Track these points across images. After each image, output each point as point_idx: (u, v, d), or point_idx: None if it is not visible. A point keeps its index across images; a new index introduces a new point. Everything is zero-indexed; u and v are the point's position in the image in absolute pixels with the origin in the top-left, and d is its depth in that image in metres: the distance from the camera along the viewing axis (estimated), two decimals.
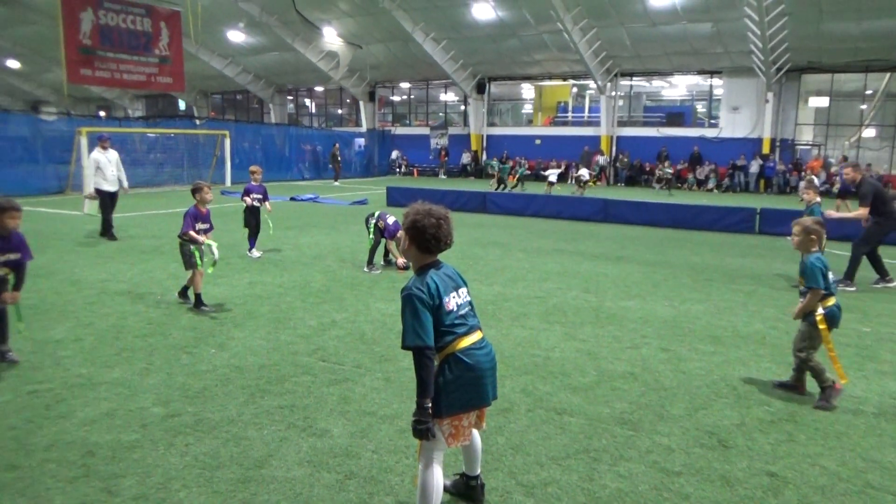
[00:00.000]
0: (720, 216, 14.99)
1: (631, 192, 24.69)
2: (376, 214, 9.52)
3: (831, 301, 4.76)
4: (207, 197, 7.11)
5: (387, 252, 9.68)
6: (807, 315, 4.74)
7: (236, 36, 34.01)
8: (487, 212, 17.38)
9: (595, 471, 3.65)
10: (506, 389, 4.79)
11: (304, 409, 4.41)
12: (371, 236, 9.36)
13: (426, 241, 2.90)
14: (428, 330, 2.78)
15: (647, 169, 30.19)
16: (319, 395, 4.68)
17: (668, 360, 5.62)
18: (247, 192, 10.14)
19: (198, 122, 30.15)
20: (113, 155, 12.35)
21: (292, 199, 20.51)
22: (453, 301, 2.92)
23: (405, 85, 38.58)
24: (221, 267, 9.22)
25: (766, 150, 27.74)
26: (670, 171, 27.31)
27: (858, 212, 8.70)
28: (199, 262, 6.94)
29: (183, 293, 7.26)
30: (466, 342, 2.91)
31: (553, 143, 32.94)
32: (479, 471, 3.32)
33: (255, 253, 10.10)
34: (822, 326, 4.68)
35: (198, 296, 6.97)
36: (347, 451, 3.82)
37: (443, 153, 35.52)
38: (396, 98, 40.48)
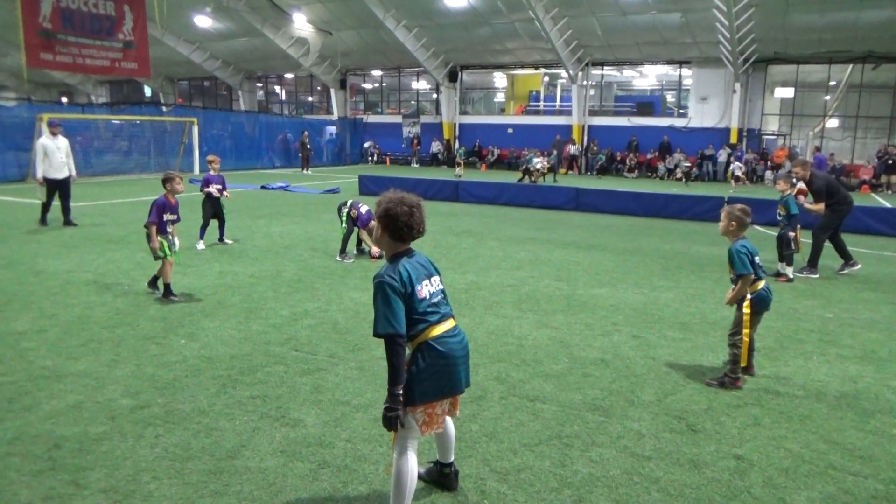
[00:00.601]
0: (689, 205, 15.21)
1: (603, 182, 24.91)
2: (349, 203, 9.45)
3: (760, 284, 4.88)
4: (179, 188, 6.99)
5: (359, 241, 9.63)
6: (740, 301, 4.84)
7: (203, 21, 33.34)
8: (460, 200, 17.38)
9: (567, 456, 3.69)
10: (479, 377, 4.81)
11: (276, 399, 4.38)
12: (343, 225, 9.30)
13: (399, 229, 2.89)
14: (399, 317, 2.78)
15: (619, 158, 30.47)
16: (292, 384, 4.65)
17: (639, 346, 5.70)
18: (206, 182, 9.96)
19: (165, 108, 29.59)
20: (62, 142, 12.03)
21: (263, 187, 20.26)
22: (426, 289, 2.92)
23: (377, 73, 38.27)
24: (191, 256, 9.09)
25: (733, 139, 28.19)
26: (688, 163, 27.32)
27: (816, 206, 8.96)
28: (167, 252, 6.84)
29: (152, 283, 7.13)
30: (439, 330, 2.91)
31: (525, 131, 33.03)
32: (452, 458, 3.34)
33: (201, 245, 9.74)
34: (746, 311, 4.78)
35: (167, 286, 6.87)
36: (321, 441, 3.80)
37: (415, 142, 35.39)
38: (368, 86, 40.15)
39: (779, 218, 8.81)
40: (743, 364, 4.82)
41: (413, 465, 2.94)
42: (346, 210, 9.33)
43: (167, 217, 6.94)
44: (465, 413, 4.19)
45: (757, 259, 4.89)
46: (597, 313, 6.73)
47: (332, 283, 7.80)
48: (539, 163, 23.04)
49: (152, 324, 6.02)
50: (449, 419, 3.20)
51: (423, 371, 2.88)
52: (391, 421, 2.79)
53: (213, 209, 9.94)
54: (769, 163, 27.22)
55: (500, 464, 3.60)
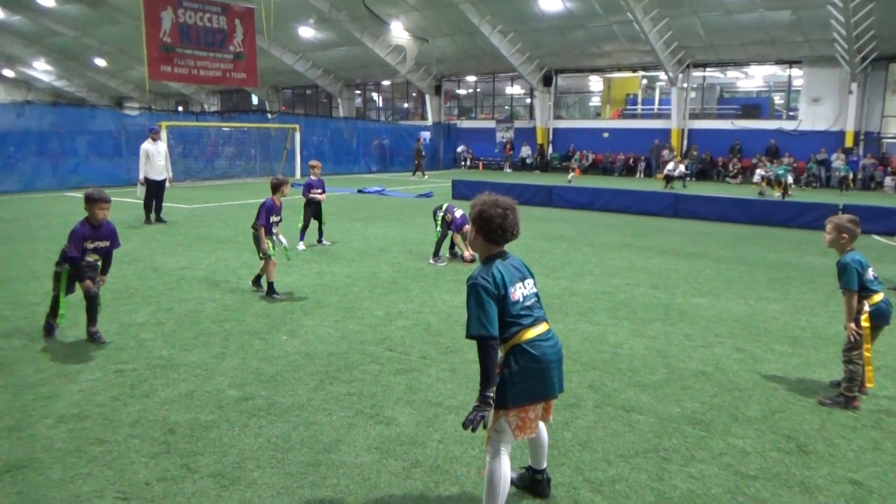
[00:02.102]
0: (799, 212, 14.33)
1: (703, 188, 23.90)
2: (444, 207, 9.56)
3: (878, 297, 4.52)
4: (287, 192, 7.46)
5: (452, 245, 9.72)
6: (857, 316, 4.50)
7: (306, 32, 34.77)
8: (553, 205, 17.19)
9: (665, 471, 3.57)
10: (573, 385, 4.73)
11: (371, 397, 4.49)
12: (438, 229, 9.41)
13: (493, 231, 2.90)
14: (492, 319, 2.78)
15: (720, 163, 29.14)
16: (386, 383, 4.75)
17: (743, 359, 5.42)
18: (308, 187, 10.32)
19: (270, 116, 31.02)
20: (162, 147, 13.31)
21: (359, 191, 20.85)
22: (519, 292, 2.91)
23: (471, 78, 38.53)
24: (291, 257, 9.47)
25: (848, 143, 26.32)
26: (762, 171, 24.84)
27: None
28: (271, 251, 7.16)
29: (256, 281, 7.51)
30: (532, 333, 2.90)
31: (621, 136, 32.25)
32: (545, 464, 3.30)
33: (301, 246, 10.07)
34: (865, 324, 4.45)
35: (270, 284, 7.20)
36: (414, 440, 3.86)
37: (508, 147, 35.34)
38: (462, 91, 40.48)
39: None
40: (868, 384, 4.49)
41: (506, 469, 2.92)
42: (441, 214, 9.44)
43: (273, 219, 7.30)
44: (558, 420, 4.13)
45: (871, 272, 4.56)
46: (697, 323, 6.46)
47: (425, 285, 7.91)
48: (675, 166, 22.30)
49: (257, 320, 6.32)
50: (542, 425, 3.17)
51: (516, 374, 2.86)
52: (474, 422, 2.74)
53: (313, 212, 10.35)
54: (889, 168, 25.21)
55: (594, 474, 3.53)
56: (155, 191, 12.88)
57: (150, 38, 23.24)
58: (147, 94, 42.11)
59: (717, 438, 3.97)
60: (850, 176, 23.82)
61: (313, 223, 10.42)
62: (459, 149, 37.13)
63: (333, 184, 22.86)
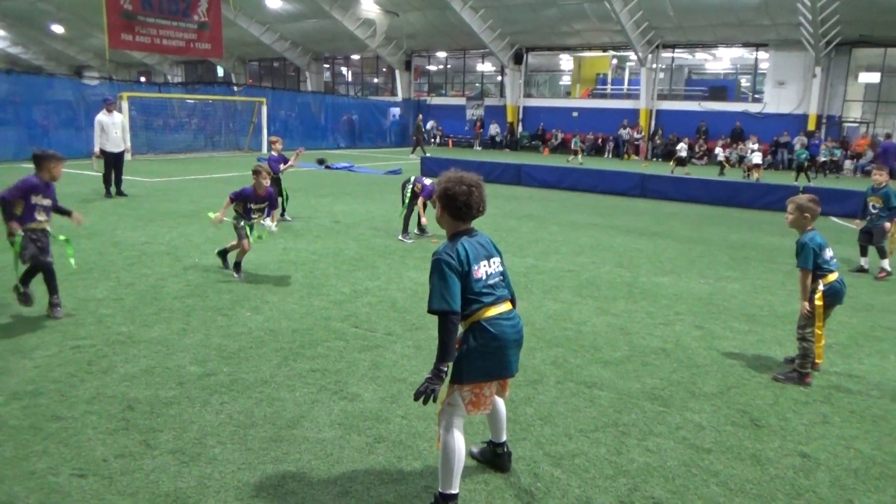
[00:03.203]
0: (760, 194, 14.64)
1: (668, 168, 24.19)
2: (412, 179, 9.52)
3: (832, 277, 4.66)
4: (265, 183, 7.04)
5: (420, 221, 9.70)
6: (811, 294, 4.64)
7: (274, 2, 33.98)
8: (522, 184, 17.24)
9: (623, 444, 3.64)
10: (536, 361, 4.79)
11: (335, 374, 4.48)
12: (405, 204, 9.36)
13: (458, 208, 2.91)
14: (454, 295, 2.79)
15: (687, 144, 29.47)
16: (351, 360, 4.75)
17: (702, 337, 5.55)
18: (275, 163, 10.21)
19: (235, 88, 30.38)
20: (118, 118, 13.07)
21: (327, 167, 20.61)
22: (483, 269, 2.92)
23: (441, 54, 38.22)
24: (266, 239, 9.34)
25: (811, 126, 26.87)
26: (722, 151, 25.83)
27: None
28: (248, 234, 7.04)
29: (223, 254, 7.34)
30: (493, 311, 2.91)
31: (591, 115, 32.41)
32: (504, 437, 3.34)
33: (268, 222, 10.02)
34: (818, 303, 4.60)
35: (237, 263, 7.05)
36: (377, 416, 3.87)
37: (478, 124, 35.25)
38: (433, 67, 40.15)
39: (873, 210, 8.34)
40: (818, 360, 4.64)
41: (460, 442, 2.94)
42: (410, 186, 9.39)
43: (254, 206, 7.07)
44: (519, 396, 4.19)
45: (828, 252, 4.68)
46: (659, 302, 6.58)
47: (392, 262, 7.89)
48: (683, 150, 22.39)
49: (220, 296, 6.24)
50: (499, 399, 3.21)
51: (474, 351, 2.88)
52: (424, 394, 2.74)
53: (276, 188, 10.15)
54: (849, 151, 25.83)
55: (555, 448, 3.58)
56: (113, 163, 12.55)
57: (111, 4, 22.48)
58: (108, 63, 40.77)
59: (675, 413, 4.07)
60: (810, 161, 24.05)
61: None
62: (429, 125, 36.87)
63: (301, 159, 22.54)
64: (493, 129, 34.86)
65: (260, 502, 3.02)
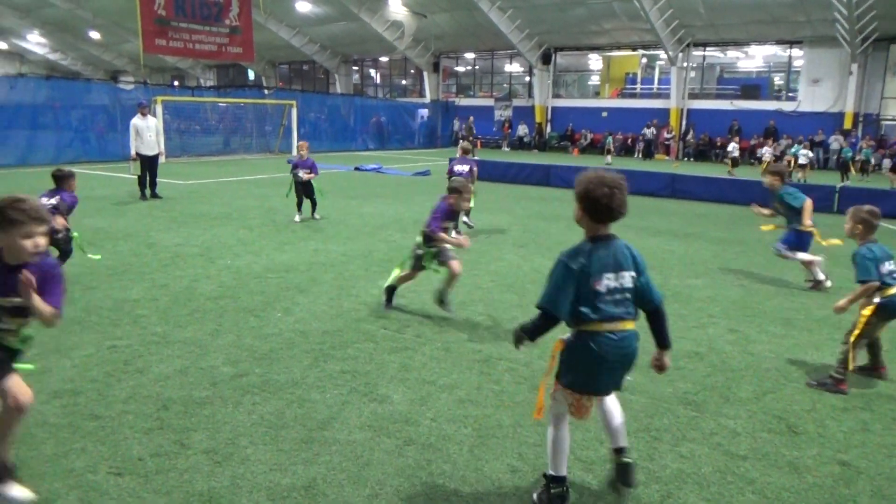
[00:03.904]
0: None
1: (701, 168, 23.83)
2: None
3: (891, 291, 4.43)
4: (465, 206, 6.22)
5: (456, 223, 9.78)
6: (864, 306, 4.46)
7: (303, 6, 34.34)
8: (551, 185, 17.13)
9: (656, 450, 3.59)
10: None
11: (365, 375, 4.50)
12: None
13: (599, 211, 2.81)
14: (561, 300, 2.78)
15: (718, 143, 29.05)
16: (381, 361, 4.77)
17: (736, 341, 5.45)
18: (294, 167, 10.71)
19: (266, 91, 30.75)
20: (152, 121, 13.26)
21: (356, 168, 20.75)
22: (605, 282, 2.80)
23: (469, 55, 38.21)
24: (287, 235, 9.46)
25: (847, 125, 26.24)
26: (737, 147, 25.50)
27: None
28: (427, 264, 5.92)
29: (391, 291, 6.10)
30: (602, 327, 2.81)
31: (620, 115, 32.10)
32: (621, 443, 3.12)
33: (297, 218, 10.57)
34: (865, 313, 4.42)
35: (391, 289, 6.09)
36: (407, 418, 3.88)
37: (506, 125, 35.15)
38: (461, 69, 40.15)
39: None
40: (849, 367, 4.50)
41: (563, 433, 3.02)
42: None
43: (446, 224, 6.01)
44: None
45: (888, 265, 4.47)
46: (691, 304, 6.48)
47: None
48: (735, 150, 22.17)
49: (252, 297, 6.32)
50: (608, 401, 3.12)
51: (570, 360, 2.90)
52: (515, 336, 2.99)
53: (303, 191, 10.67)
54: (888, 151, 25.15)
55: (586, 453, 3.55)
56: (148, 166, 12.79)
57: (145, 11, 22.94)
58: (142, 68, 41.63)
59: (709, 419, 4.00)
60: (859, 160, 23.09)
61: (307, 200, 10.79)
62: (455, 126, 36.77)
63: (330, 161, 22.77)
64: (522, 129, 34.72)
65: (291, 503, 3.04)
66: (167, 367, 4.56)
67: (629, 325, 2.87)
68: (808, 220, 7.10)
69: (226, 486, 3.14)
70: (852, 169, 21.59)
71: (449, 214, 5.99)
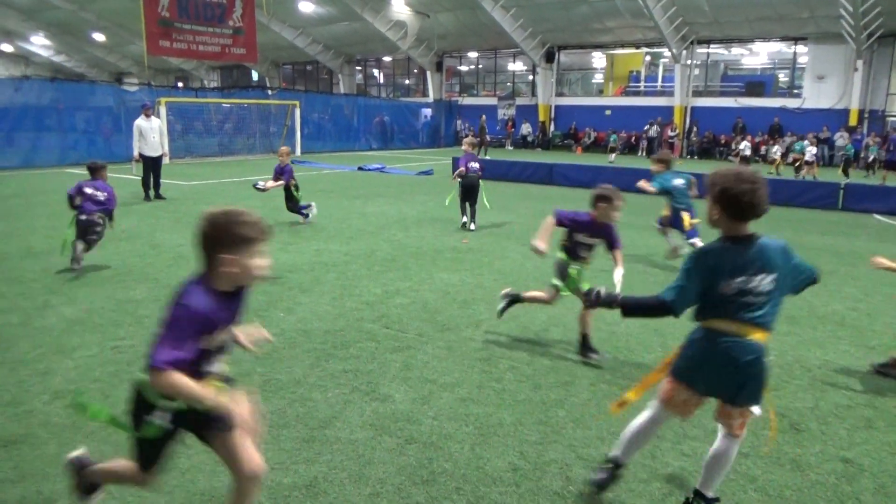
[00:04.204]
0: (801, 191, 14.29)
1: (705, 166, 23.77)
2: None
3: None
4: (615, 215, 4.77)
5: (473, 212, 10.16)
6: None
7: (306, 6, 34.38)
8: (554, 183, 17.11)
9: (658, 448, 3.58)
10: (567, 363, 4.75)
11: (367, 374, 4.51)
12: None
13: (741, 209, 2.64)
14: (683, 296, 2.69)
15: (723, 141, 28.97)
16: (383, 361, 4.77)
17: None
18: (276, 173, 10.19)
19: (270, 92, 30.81)
20: (156, 122, 13.35)
21: (360, 168, 20.77)
22: (736, 285, 2.63)
23: (473, 54, 38.19)
24: (290, 235, 9.47)
25: (853, 121, 26.13)
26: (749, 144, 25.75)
27: None
28: (570, 281, 4.97)
29: (512, 301, 5.29)
30: (721, 326, 2.68)
31: (624, 113, 32.04)
32: (710, 492, 2.92)
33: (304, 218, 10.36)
34: None
35: (585, 337, 4.88)
36: (409, 417, 3.88)
37: (509, 124, 35.13)
38: (464, 68, 40.14)
39: None
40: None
41: (643, 423, 3.00)
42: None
43: (583, 240, 5.03)
44: (551, 398, 4.16)
45: None
46: None
47: (423, 263, 7.91)
48: (747, 148, 22.31)
49: (254, 297, 6.30)
50: (722, 440, 2.89)
51: (689, 350, 2.80)
52: (596, 297, 2.97)
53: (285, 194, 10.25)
54: (893, 147, 25.01)
55: (587, 451, 3.55)
56: (151, 167, 12.84)
57: (148, 12, 23.01)
58: (146, 69, 41.76)
59: (711, 416, 3.97)
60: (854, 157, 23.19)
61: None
62: (458, 126, 36.74)
63: (333, 161, 22.80)
64: (525, 128, 34.70)
65: (292, 502, 3.05)
66: None
67: (755, 335, 2.66)
68: (643, 183, 8.31)
69: (227, 486, 3.14)
70: (850, 166, 21.64)
71: (590, 228, 4.78)
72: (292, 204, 10.39)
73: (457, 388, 4.31)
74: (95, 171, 7.45)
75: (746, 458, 3.50)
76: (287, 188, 10.24)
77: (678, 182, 8.23)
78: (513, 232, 10.18)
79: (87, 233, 7.06)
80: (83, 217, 7.07)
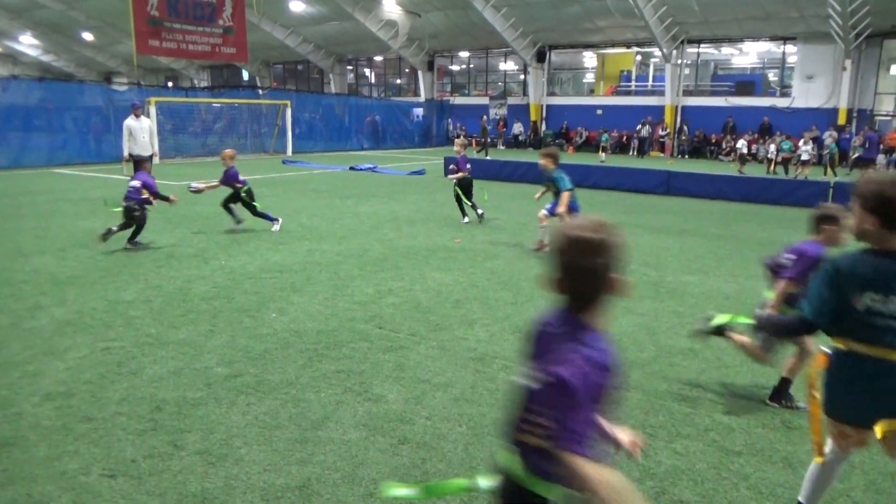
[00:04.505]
0: (791, 189, 14.36)
1: (695, 165, 23.87)
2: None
3: None
4: (840, 238, 3.85)
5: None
6: None
7: (297, 5, 34.23)
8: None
9: (651, 446, 3.59)
10: None
11: (360, 375, 4.49)
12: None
13: None
14: (820, 309, 2.45)
15: (713, 140, 29.09)
16: (375, 361, 4.76)
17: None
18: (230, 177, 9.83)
19: (260, 92, 30.67)
20: (145, 122, 13.36)
21: (351, 168, 20.72)
22: (867, 301, 2.37)
23: (464, 54, 38.15)
24: (282, 235, 9.44)
25: (841, 121, 26.30)
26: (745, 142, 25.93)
27: None
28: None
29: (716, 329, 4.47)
30: (877, 351, 2.39)
31: (615, 113, 32.11)
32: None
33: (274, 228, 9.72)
34: None
35: (787, 382, 4.18)
36: (401, 417, 3.87)
37: (501, 124, 35.14)
38: (455, 67, 40.10)
39: None
40: None
41: (821, 468, 2.73)
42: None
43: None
44: None
45: None
46: (686, 301, 6.49)
47: (415, 263, 7.90)
48: (744, 147, 22.18)
49: (246, 297, 6.30)
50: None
51: (834, 381, 2.52)
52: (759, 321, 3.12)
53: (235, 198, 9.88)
54: (881, 146, 25.21)
55: None
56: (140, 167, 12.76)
57: (137, 11, 22.84)
58: (135, 69, 41.44)
59: (703, 415, 4.00)
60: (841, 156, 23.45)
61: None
62: (449, 126, 36.69)
63: (325, 161, 22.73)
64: (517, 127, 34.72)
65: (285, 503, 3.03)
66: (161, 368, 4.54)
67: None
68: (562, 209, 8.24)
69: (220, 487, 3.13)
70: (835, 165, 21.89)
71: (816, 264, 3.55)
72: (252, 210, 9.78)
73: (450, 388, 4.30)
74: (139, 164, 9.02)
75: (739, 455, 3.52)
76: (236, 193, 9.73)
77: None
78: (505, 231, 10.19)
79: (126, 216, 8.25)
80: (123, 204, 8.30)
